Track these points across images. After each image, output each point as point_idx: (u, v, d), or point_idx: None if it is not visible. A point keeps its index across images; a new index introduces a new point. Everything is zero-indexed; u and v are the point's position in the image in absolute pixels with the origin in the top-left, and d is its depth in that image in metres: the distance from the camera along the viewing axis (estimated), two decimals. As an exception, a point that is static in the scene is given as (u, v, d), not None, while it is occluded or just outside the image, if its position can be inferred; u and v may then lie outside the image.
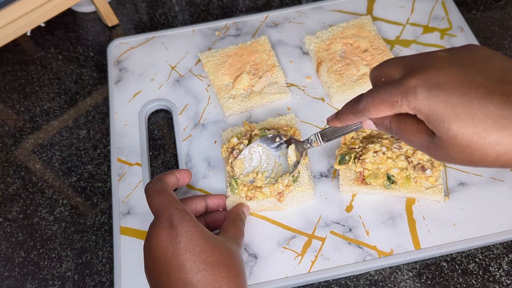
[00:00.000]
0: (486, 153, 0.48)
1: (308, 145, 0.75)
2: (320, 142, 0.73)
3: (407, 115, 0.53)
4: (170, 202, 0.64)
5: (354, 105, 0.58)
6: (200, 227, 0.62)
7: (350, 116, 0.59)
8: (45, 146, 0.89)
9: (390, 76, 0.55)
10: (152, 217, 0.64)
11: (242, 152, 0.77)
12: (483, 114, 0.47)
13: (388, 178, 0.74)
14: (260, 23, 0.99)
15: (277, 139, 0.78)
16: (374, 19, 0.96)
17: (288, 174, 0.75)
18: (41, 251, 0.78)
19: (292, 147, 0.76)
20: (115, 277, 0.74)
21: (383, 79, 0.56)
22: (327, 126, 0.73)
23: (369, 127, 0.60)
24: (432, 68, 0.51)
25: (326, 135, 0.72)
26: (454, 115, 0.48)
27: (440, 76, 0.50)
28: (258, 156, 0.78)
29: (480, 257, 0.72)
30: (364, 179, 0.75)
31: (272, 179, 0.76)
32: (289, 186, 0.75)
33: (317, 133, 0.73)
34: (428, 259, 0.73)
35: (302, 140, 0.77)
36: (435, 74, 0.50)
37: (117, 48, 0.98)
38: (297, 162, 0.76)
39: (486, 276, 0.71)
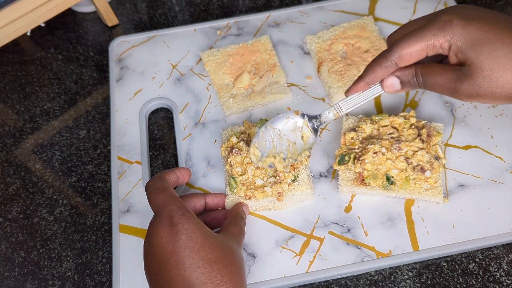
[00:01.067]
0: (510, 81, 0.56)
1: (327, 117, 0.73)
2: (341, 112, 0.71)
3: (431, 63, 0.62)
4: (171, 199, 0.64)
5: (383, 56, 0.64)
6: (200, 225, 0.62)
7: (377, 68, 0.65)
8: (45, 146, 0.89)
9: (416, 25, 0.63)
10: (151, 215, 0.65)
11: (254, 139, 0.74)
12: (510, 38, 0.56)
13: (388, 179, 0.74)
14: (261, 23, 0.99)
15: (287, 117, 0.74)
16: (376, 19, 0.96)
17: (306, 150, 0.75)
18: (41, 251, 0.79)
19: (305, 122, 0.74)
20: (113, 274, 0.74)
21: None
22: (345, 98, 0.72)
23: (392, 87, 0.66)
24: (461, 7, 0.60)
25: (345, 103, 0.71)
26: (487, 39, 0.56)
27: (471, 11, 0.59)
28: (270, 139, 0.75)
29: (480, 257, 0.72)
30: (363, 180, 0.75)
31: (290, 159, 0.74)
32: (288, 185, 0.75)
33: (337, 103, 0.72)
34: (428, 260, 0.73)
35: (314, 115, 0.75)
36: (465, 9, 0.59)
37: (118, 46, 0.98)
38: (314, 138, 0.75)
39: (486, 276, 0.71)
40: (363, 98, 0.70)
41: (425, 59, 0.65)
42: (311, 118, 0.74)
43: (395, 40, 0.64)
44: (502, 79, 0.56)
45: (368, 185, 0.75)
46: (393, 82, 0.66)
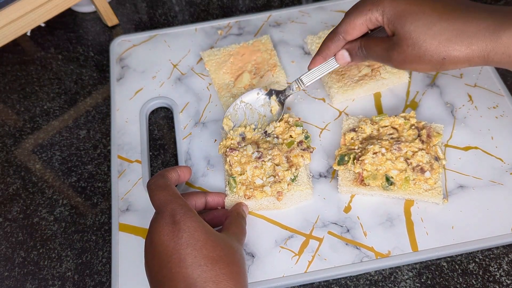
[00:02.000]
0: (428, 45, 0.63)
1: (290, 91, 0.81)
2: (302, 86, 0.80)
3: (372, 36, 0.71)
4: (173, 197, 0.64)
5: (333, 31, 0.73)
6: (202, 223, 0.62)
7: (329, 43, 0.74)
8: (45, 146, 0.89)
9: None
10: (150, 214, 0.65)
11: (227, 110, 0.82)
12: (430, 9, 0.63)
13: (387, 179, 0.74)
14: (262, 23, 0.99)
15: (258, 93, 0.83)
16: (376, 18, 0.96)
17: (274, 122, 0.80)
18: (41, 251, 0.79)
19: (273, 98, 0.82)
20: (113, 273, 0.74)
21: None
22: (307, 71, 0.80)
23: (343, 59, 0.74)
24: None
25: (306, 76, 0.80)
26: (410, 11, 0.64)
27: None
28: (242, 112, 0.83)
29: (480, 257, 0.72)
30: (363, 180, 0.75)
31: (260, 130, 0.81)
32: (288, 185, 0.75)
33: (297, 79, 0.80)
34: (427, 260, 0.73)
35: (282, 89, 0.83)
36: None
37: (119, 45, 0.98)
38: (281, 110, 0.82)
39: (486, 276, 0.71)
40: (321, 71, 0.78)
41: (374, 33, 0.73)
42: (278, 93, 0.83)
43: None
44: (424, 46, 0.63)
45: (368, 185, 0.74)
46: (343, 54, 0.74)
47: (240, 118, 0.82)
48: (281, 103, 0.82)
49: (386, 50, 0.68)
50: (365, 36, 0.73)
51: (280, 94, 0.82)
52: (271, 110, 0.82)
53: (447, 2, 0.64)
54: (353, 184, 0.75)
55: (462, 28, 0.62)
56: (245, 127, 0.80)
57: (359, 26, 0.70)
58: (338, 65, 0.76)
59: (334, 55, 0.76)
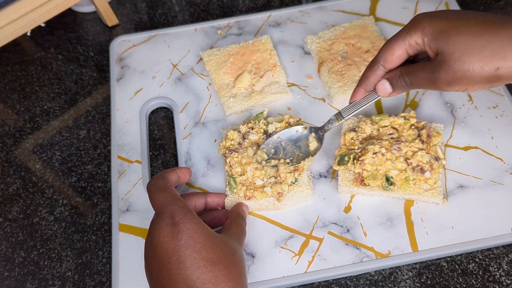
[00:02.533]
0: (482, 59, 0.59)
1: (329, 125, 0.78)
2: (342, 119, 0.76)
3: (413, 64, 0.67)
4: (173, 199, 0.64)
5: (372, 61, 0.70)
6: (201, 225, 0.62)
7: (368, 73, 0.70)
8: (45, 146, 0.89)
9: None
10: (151, 215, 0.65)
11: (263, 144, 0.79)
12: (474, 22, 0.60)
13: (387, 179, 0.74)
14: (262, 22, 0.99)
15: (296, 131, 0.80)
16: (377, 19, 0.96)
17: (310, 156, 0.77)
18: (41, 251, 0.79)
19: (312, 135, 0.79)
20: (113, 273, 0.74)
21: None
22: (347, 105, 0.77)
23: (384, 90, 0.70)
24: (429, 12, 0.65)
25: (345, 111, 0.76)
26: (453, 28, 0.60)
27: (437, 12, 0.64)
28: (278, 147, 0.79)
29: (480, 257, 0.72)
30: (363, 180, 0.75)
31: (294, 162, 0.77)
32: (288, 186, 0.75)
33: (337, 112, 0.77)
34: (427, 260, 0.73)
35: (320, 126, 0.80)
36: (432, 12, 0.65)
37: (119, 45, 0.98)
38: (320, 146, 0.78)
39: (486, 276, 0.71)
40: (361, 104, 0.74)
41: (414, 59, 0.70)
42: (317, 130, 0.79)
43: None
44: (473, 57, 0.59)
45: (368, 185, 0.75)
46: (384, 85, 0.70)
47: (275, 152, 0.79)
48: (320, 140, 0.78)
49: (431, 72, 0.63)
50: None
51: (319, 131, 0.79)
52: (308, 146, 0.78)
53: (488, 16, 0.61)
54: (353, 184, 0.75)
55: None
56: (279, 159, 0.78)
57: (398, 53, 0.66)
58: (379, 96, 0.72)
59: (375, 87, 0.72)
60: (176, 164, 0.85)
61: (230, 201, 0.76)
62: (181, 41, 0.98)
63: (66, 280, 0.76)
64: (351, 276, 0.72)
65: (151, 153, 0.86)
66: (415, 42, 0.64)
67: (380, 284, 0.71)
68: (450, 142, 0.80)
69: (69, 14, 1.06)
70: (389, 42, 0.67)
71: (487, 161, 0.78)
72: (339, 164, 0.76)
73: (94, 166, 0.86)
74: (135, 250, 0.75)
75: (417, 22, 0.64)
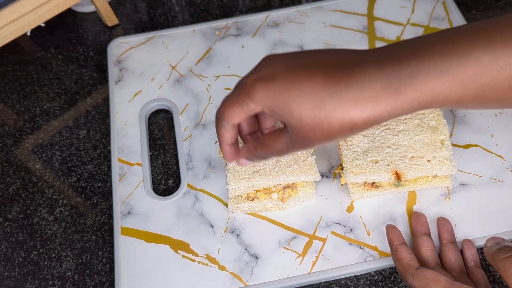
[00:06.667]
0: (331, 123, 0.51)
1: None
2: None
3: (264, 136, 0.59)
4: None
5: (217, 119, 0.59)
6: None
7: (221, 133, 0.59)
8: (45, 146, 0.89)
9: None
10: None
11: None
12: (312, 90, 0.51)
13: (397, 177, 0.74)
14: (260, 23, 0.99)
15: None
16: (375, 19, 0.96)
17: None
18: (41, 251, 0.78)
19: None
20: (115, 277, 0.73)
21: None
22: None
23: (245, 164, 0.62)
24: (265, 64, 0.55)
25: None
26: (291, 98, 0.51)
27: (273, 68, 0.54)
28: None
29: (480, 257, 0.72)
30: (374, 182, 0.74)
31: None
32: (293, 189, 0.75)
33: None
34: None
35: None
36: (268, 68, 0.54)
37: (117, 47, 0.98)
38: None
39: (486, 275, 0.71)
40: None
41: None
42: None
43: None
44: (326, 126, 0.51)
45: (380, 186, 0.75)
46: (241, 161, 0.62)
47: None
48: None
49: (288, 144, 0.56)
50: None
51: None
52: None
53: (324, 79, 0.51)
54: (365, 188, 0.75)
55: (356, 95, 0.50)
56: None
57: (237, 114, 0.55)
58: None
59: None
60: (177, 165, 0.84)
61: (232, 203, 0.76)
62: (179, 43, 0.98)
63: (66, 280, 0.75)
64: (351, 276, 0.72)
65: (151, 153, 0.86)
66: (253, 110, 0.54)
67: (380, 284, 0.72)
68: (450, 140, 0.80)
69: (69, 14, 1.06)
70: (228, 105, 0.56)
71: (487, 159, 0.78)
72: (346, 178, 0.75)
73: (94, 166, 0.86)
74: (138, 253, 0.75)
75: (253, 88, 0.53)
